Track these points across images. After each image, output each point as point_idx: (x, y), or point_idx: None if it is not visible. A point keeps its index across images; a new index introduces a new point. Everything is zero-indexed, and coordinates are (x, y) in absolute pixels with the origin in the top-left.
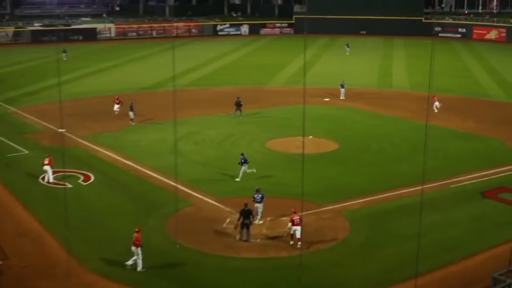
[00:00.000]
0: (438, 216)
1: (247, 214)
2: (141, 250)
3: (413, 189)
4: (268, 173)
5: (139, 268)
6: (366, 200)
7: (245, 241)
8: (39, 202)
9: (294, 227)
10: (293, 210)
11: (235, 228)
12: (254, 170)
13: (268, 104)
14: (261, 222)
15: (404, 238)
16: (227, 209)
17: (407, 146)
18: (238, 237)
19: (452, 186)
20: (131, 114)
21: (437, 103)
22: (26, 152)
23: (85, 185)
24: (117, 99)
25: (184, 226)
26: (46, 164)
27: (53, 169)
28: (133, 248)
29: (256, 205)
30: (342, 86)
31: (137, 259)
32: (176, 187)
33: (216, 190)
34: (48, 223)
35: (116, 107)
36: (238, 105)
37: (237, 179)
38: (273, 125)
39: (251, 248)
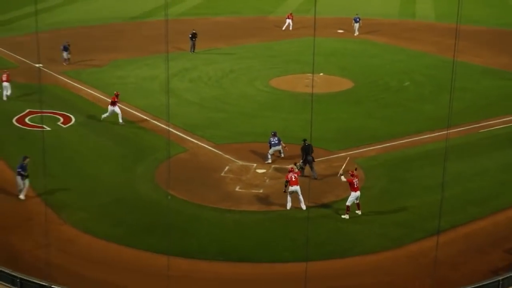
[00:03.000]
0: (465, 165)
1: (308, 150)
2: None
3: (437, 134)
4: (272, 115)
5: (304, 206)
6: (383, 146)
7: (314, 179)
8: (14, 147)
9: (355, 193)
10: (350, 172)
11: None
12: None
13: (273, 37)
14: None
15: (426, 189)
16: (226, 156)
17: (430, 84)
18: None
19: (481, 131)
20: (64, 54)
21: (289, 21)
22: None
23: (65, 127)
24: (115, 95)
25: (176, 175)
26: (4, 81)
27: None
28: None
29: (275, 148)
30: (356, 20)
31: (299, 197)
32: (168, 131)
33: (213, 135)
34: None
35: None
36: (193, 37)
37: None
38: (278, 61)
39: (252, 201)
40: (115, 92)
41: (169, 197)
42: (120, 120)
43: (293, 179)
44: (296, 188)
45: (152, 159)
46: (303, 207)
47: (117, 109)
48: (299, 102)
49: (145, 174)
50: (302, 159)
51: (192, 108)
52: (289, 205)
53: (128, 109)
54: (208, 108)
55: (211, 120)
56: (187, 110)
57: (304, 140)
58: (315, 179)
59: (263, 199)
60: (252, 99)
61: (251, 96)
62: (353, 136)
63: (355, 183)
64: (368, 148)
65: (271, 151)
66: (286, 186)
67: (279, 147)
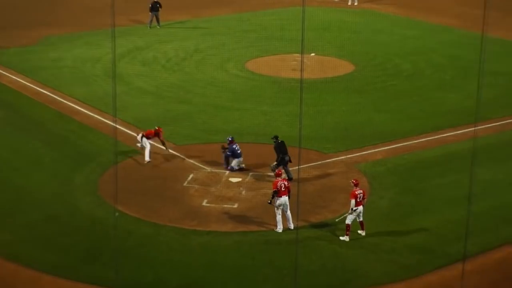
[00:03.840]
0: (498, 172)
1: (283, 148)
2: None
3: (462, 131)
4: (249, 107)
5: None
6: (393, 148)
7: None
8: None
9: (358, 208)
10: (353, 180)
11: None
12: None
13: (250, 6)
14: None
15: (448, 203)
16: (190, 160)
17: (453, 67)
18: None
19: None
20: None
21: None
22: None
23: None
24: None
25: (126, 185)
26: None
27: None
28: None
29: (240, 159)
30: None
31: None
32: (115, 128)
33: (173, 133)
34: None
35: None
36: (154, 9)
37: None
38: (257, 38)
39: (224, 218)
40: (156, 128)
41: (117, 213)
42: (147, 158)
43: (283, 188)
44: (286, 199)
45: (94, 165)
46: (291, 226)
47: (147, 142)
48: (284, 91)
49: (86, 184)
50: (276, 160)
51: (145, 98)
52: (280, 226)
53: (64, 100)
54: (166, 98)
55: (170, 114)
56: (139, 102)
57: (276, 138)
58: (291, 179)
59: (239, 217)
60: (223, 87)
61: (222, 82)
62: (355, 135)
63: (359, 196)
64: (374, 150)
65: (235, 163)
66: (273, 197)
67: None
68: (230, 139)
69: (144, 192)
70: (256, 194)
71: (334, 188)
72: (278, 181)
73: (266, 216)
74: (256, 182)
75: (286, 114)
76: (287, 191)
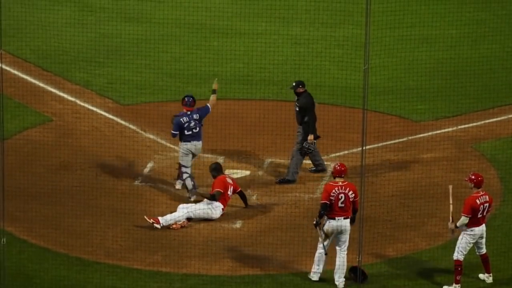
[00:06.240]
0: None
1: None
2: None
3: None
4: (263, 29)
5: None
6: None
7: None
8: None
9: (475, 229)
10: (471, 176)
11: None
12: None
13: None
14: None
15: None
16: (147, 135)
17: None
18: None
19: None
20: None
21: None
22: None
23: None
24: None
25: (22, 184)
26: None
27: None
28: None
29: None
30: None
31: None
32: (0, 70)
33: (112, 79)
34: None
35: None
36: None
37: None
38: None
39: (217, 251)
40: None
41: (4, 240)
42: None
43: (341, 203)
44: (342, 224)
45: None
46: (339, 283)
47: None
48: None
49: None
50: (311, 130)
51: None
52: (317, 269)
53: None
54: (95, 7)
55: (104, 45)
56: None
57: (300, 84)
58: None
59: (245, 247)
60: None
61: None
62: (473, 86)
63: (482, 207)
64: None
65: (185, 160)
66: (321, 215)
67: (200, 143)
68: (188, 99)
69: (59, 197)
70: (277, 200)
71: (433, 190)
72: (333, 186)
73: (306, 245)
74: (279, 177)
75: (338, 43)
76: (351, 208)
